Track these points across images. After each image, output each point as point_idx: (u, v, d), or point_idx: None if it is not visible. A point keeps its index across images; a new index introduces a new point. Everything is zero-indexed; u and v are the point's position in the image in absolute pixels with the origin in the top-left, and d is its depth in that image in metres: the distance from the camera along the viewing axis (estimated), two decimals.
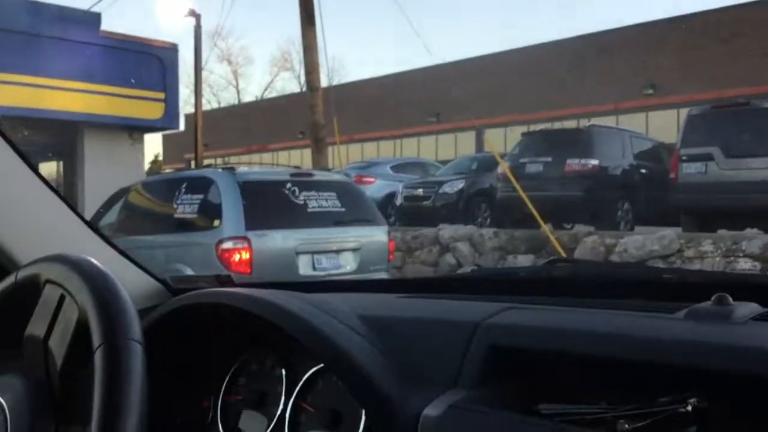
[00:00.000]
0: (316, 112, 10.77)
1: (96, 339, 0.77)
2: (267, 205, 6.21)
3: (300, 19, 10.69)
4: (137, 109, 13.36)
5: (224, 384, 1.27)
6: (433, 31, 59.37)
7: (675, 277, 1.27)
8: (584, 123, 13.33)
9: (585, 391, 0.88)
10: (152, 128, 14.11)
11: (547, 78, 23.58)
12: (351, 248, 6.58)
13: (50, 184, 1.37)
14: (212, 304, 1.17)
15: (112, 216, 7.38)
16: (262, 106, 39.21)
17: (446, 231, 11.12)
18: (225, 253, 5.81)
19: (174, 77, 13.85)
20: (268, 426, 1.18)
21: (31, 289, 0.89)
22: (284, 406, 1.17)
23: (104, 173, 11.77)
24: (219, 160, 37.87)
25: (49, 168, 15.38)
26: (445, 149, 26.07)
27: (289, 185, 6.37)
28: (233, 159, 36.73)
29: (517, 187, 9.46)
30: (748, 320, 0.86)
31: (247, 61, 63.50)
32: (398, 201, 13.22)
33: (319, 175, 7.02)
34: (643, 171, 11.04)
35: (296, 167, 7.53)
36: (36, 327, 0.87)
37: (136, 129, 13.83)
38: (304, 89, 14.43)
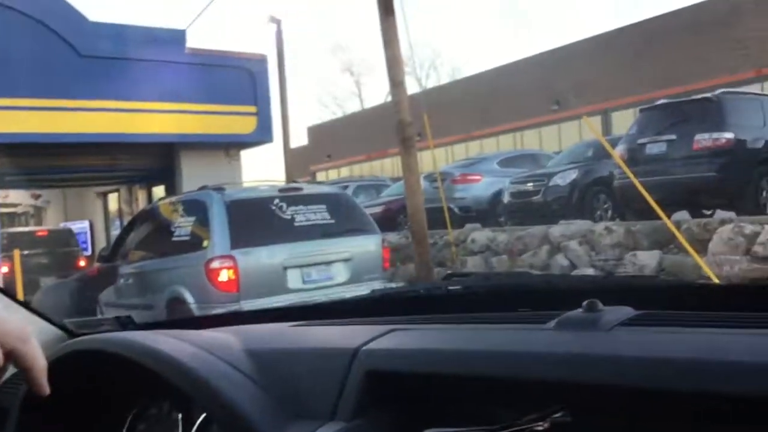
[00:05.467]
0: (401, 109, 9.83)
1: None
2: (254, 222, 6.32)
3: (378, 9, 9.83)
4: (229, 125, 13.08)
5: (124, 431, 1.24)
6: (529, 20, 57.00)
7: (562, 285, 1.31)
8: None
9: (464, 412, 0.87)
10: (246, 143, 13.81)
11: (677, 50, 21.36)
12: (342, 259, 6.61)
13: None
14: (95, 350, 1.14)
15: (131, 238, 7.68)
16: (380, 112, 38.87)
17: (557, 228, 9.85)
18: (212, 272, 5.95)
19: (265, 89, 13.46)
20: None
21: None
22: None
23: None
24: (343, 171, 38.01)
25: (159, 192, 15.54)
26: (570, 138, 24.29)
27: (276, 201, 6.47)
28: (356, 168, 36.71)
29: (629, 173, 8.08)
30: (614, 327, 0.84)
31: (369, 69, 63.58)
32: (505, 198, 12.01)
33: (309, 189, 7.11)
34: None
35: (295, 182, 7.55)
36: None
37: (230, 146, 13.56)
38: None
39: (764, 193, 8.89)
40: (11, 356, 0.70)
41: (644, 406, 0.76)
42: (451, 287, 1.38)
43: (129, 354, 1.06)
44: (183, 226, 6.70)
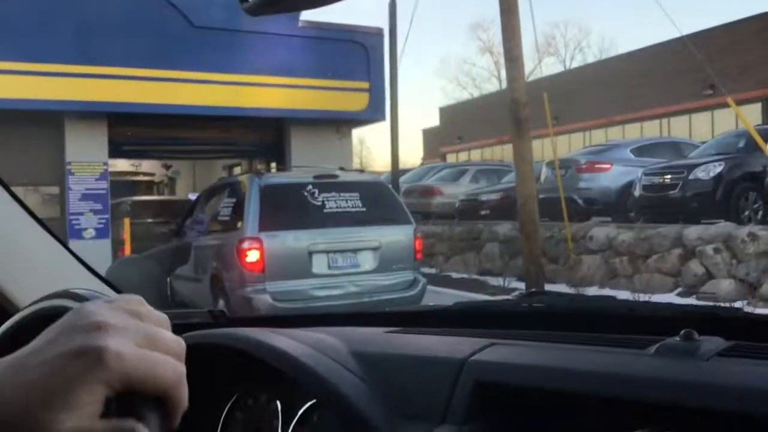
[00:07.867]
0: (516, 88, 8.82)
1: None
2: (284, 207, 6.50)
3: None
4: (341, 101, 12.52)
5: (221, 421, 1.30)
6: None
7: (644, 311, 1.29)
8: None
9: (566, 425, 0.91)
10: (356, 121, 13.20)
11: None
12: (370, 247, 6.64)
13: (40, 219, 1.44)
14: (210, 344, 1.21)
15: (193, 216, 8.28)
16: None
17: (693, 230, 8.50)
18: (241, 252, 6.20)
19: (379, 65, 12.76)
20: None
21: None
22: None
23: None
24: (473, 153, 36.94)
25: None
26: (725, 127, 21.86)
27: (309, 187, 6.60)
28: (487, 151, 35.52)
29: None
30: (713, 356, 0.88)
31: None
32: (636, 191, 10.65)
33: (345, 176, 7.12)
34: None
35: (341, 168, 7.58)
36: None
37: (341, 122, 13.02)
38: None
39: None
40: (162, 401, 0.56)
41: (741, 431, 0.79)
42: (534, 304, 1.40)
43: (254, 351, 1.12)
44: (227, 206, 7.09)
